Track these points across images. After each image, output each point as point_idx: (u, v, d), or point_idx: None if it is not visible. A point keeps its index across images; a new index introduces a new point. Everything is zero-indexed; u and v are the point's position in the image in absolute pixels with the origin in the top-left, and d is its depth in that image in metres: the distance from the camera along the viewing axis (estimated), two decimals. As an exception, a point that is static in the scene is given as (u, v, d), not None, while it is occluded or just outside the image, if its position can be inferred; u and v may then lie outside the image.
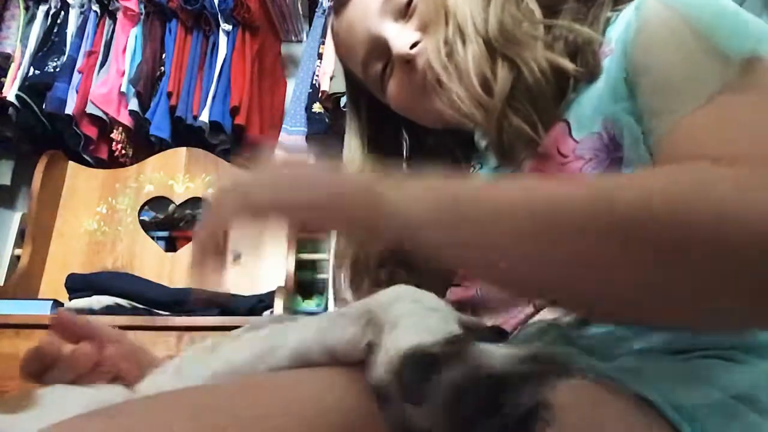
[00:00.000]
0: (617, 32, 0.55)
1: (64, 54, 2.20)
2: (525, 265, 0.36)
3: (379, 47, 0.65)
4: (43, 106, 2.12)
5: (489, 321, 0.50)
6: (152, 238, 2.06)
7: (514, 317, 0.52)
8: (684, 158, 0.40)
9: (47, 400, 0.39)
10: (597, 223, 0.34)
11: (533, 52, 0.56)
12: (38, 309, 1.63)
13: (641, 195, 0.35)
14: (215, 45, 2.20)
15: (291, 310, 1.81)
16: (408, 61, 0.63)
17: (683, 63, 0.46)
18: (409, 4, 0.64)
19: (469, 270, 0.46)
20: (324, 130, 2.08)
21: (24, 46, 2.22)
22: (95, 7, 2.27)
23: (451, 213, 0.38)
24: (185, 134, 2.14)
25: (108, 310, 1.66)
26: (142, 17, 2.24)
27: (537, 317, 0.51)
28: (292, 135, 2.11)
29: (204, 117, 2.08)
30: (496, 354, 0.23)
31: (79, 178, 2.12)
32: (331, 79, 2.01)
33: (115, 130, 2.15)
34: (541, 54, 0.56)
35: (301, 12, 2.38)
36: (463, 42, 0.60)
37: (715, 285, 0.33)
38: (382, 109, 0.71)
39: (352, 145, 0.73)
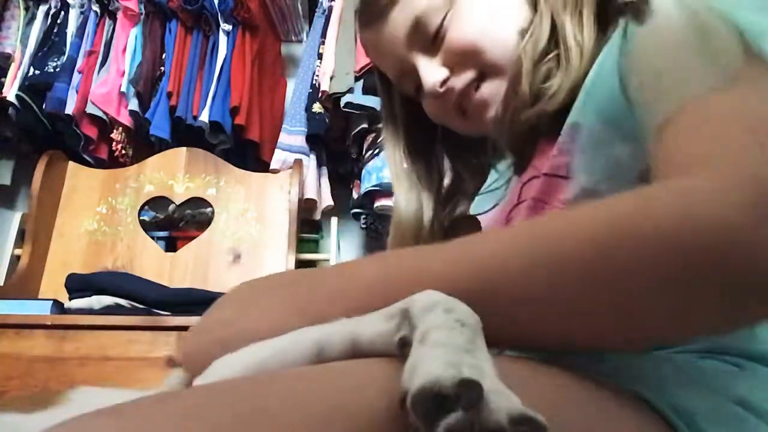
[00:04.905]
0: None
1: (64, 54, 2.20)
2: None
3: (411, 72, 0.67)
4: (43, 106, 2.11)
5: None
6: (152, 238, 2.05)
7: None
8: (664, 162, 0.39)
9: (72, 401, 0.39)
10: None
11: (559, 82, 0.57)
12: (38, 309, 1.62)
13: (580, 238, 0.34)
14: (215, 45, 2.20)
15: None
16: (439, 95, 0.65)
17: (680, 56, 0.43)
18: (436, 36, 0.64)
19: None
20: (324, 130, 2.07)
21: (24, 46, 2.22)
22: (95, 7, 2.27)
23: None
24: (185, 134, 2.13)
25: (108, 310, 1.66)
26: (142, 17, 2.24)
27: None
28: (292, 135, 2.11)
29: (204, 117, 2.07)
30: (501, 405, 0.24)
31: (79, 178, 2.12)
32: (331, 79, 2.01)
33: (115, 130, 2.15)
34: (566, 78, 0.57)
35: (301, 12, 2.38)
36: (492, 78, 0.63)
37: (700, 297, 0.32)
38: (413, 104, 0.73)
39: (391, 145, 0.74)
